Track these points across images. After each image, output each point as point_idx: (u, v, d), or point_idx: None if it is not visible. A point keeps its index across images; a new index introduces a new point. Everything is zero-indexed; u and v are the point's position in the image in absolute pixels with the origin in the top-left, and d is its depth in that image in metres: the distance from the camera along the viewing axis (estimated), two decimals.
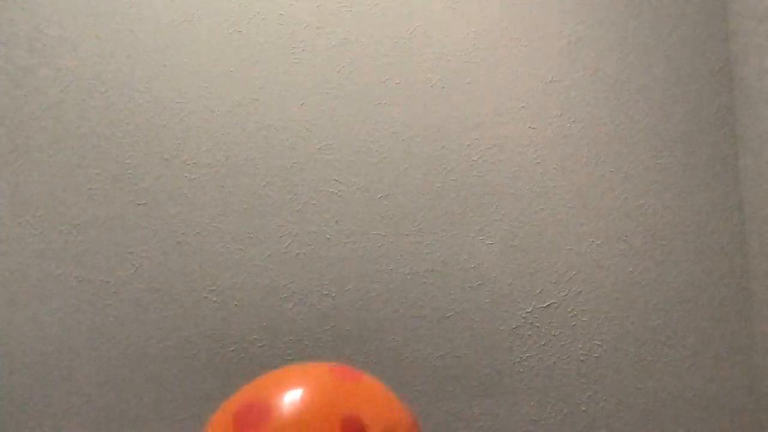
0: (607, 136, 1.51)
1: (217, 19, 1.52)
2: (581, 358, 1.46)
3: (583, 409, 1.45)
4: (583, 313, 1.47)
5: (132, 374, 1.44)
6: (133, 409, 1.44)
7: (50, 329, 1.44)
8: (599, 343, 1.47)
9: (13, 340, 1.44)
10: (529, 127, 1.51)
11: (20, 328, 1.44)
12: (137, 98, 1.50)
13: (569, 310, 1.47)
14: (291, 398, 0.99)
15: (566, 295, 1.47)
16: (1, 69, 1.50)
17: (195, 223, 1.47)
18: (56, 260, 1.46)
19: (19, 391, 1.43)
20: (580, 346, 1.46)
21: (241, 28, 1.52)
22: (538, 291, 1.48)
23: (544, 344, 1.46)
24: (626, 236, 1.49)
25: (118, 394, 1.44)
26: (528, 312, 1.47)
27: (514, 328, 1.46)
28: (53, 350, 1.44)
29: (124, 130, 1.49)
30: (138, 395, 1.44)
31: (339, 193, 1.49)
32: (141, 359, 1.44)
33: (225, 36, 1.51)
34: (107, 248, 1.46)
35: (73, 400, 1.43)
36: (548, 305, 1.47)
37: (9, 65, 1.50)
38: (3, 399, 1.43)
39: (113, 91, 1.50)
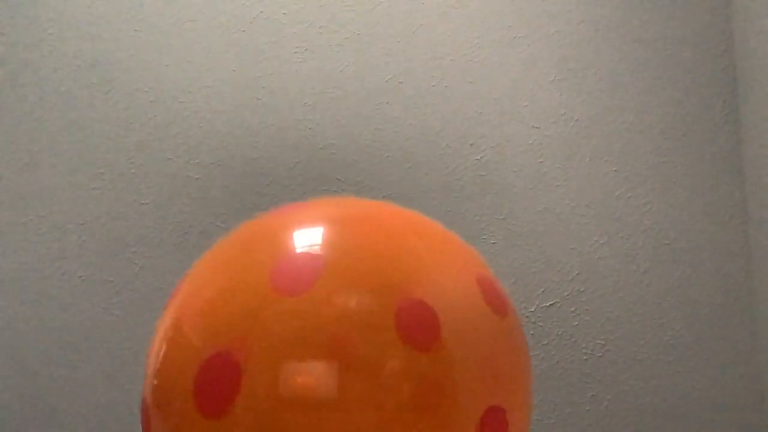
0: (610, 136, 1.51)
1: (220, 19, 1.52)
2: (584, 357, 1.46)
3: (587, 408, 1.45)
4: (586, 312, 1.47)
5: (135, 374, 1.45)
6: (137, 409, 1.44)
7: (53, 328, 1.45)
8: (602, 342, 1.46)
9: (17, 339, 1.45)
10: (532, 126, 1.51)
11: (23, 327, 1.45)
12: (141, 98, 1.50)
13: (572, 309, 1.47)
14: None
15: (569, 294, 1.47)
16: (4, 67, 1.50)
17: (198, 223, 1.48)
18: (59, 259, 1.46)
19: (21, 390, 1.44)
20: (583, 345, 1.46)
21: (244, 28, 1.52)
22: (541, 290, 1.47)
23: (546, 343, 1.46)
24: (629, 236, 1.48)
25: (121, 393, 1.44)
26: (531, 311, 1.47)
27: None
28: (56, 349, 1.45)
29: (127, 129, 1.50)
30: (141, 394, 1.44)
31: (342, 192, 1.49)
32: (144, 359, 1.45)
33: (228, 36, 1.52)
34: (111, 247, 1.47)
35: (76, 400, 1.44)
36: (551, 304, 1.47)
37: (12, 64, 1.51)
38: (5, 398, 1.44)
39: (117, 91, 1.51)
